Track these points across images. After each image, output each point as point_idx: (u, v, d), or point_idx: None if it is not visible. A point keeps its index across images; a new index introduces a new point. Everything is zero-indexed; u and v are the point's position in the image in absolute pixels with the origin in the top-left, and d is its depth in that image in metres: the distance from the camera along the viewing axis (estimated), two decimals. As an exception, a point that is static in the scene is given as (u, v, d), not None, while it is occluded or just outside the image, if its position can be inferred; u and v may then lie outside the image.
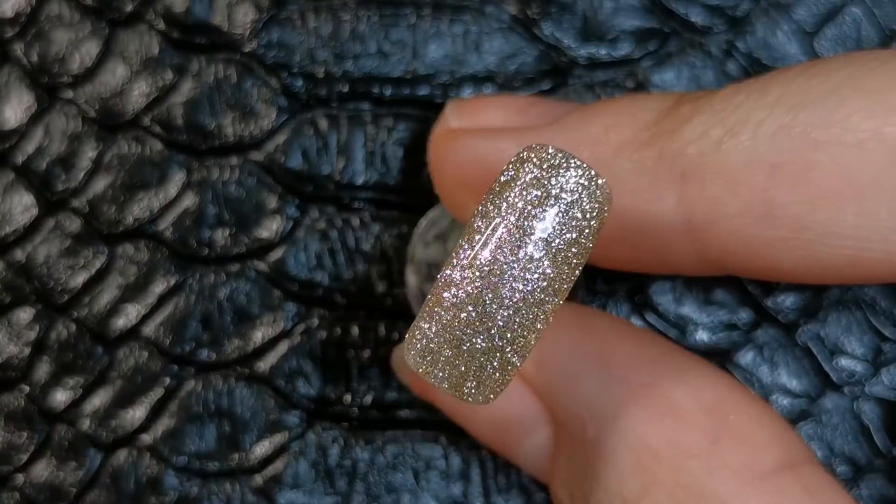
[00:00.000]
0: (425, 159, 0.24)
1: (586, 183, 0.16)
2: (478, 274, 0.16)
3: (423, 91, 0.24)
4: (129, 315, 0.24)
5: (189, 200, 0.24)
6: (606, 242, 0.18)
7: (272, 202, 0.24)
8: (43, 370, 0.24)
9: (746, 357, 0.23)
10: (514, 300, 0.16)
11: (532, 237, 0.16)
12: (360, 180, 0.24)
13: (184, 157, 0.24)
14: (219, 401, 0.24)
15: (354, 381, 0.24)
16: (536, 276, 0.16)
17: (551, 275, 0.16)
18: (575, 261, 0.16)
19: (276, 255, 0.24)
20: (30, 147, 0.24)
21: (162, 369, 0.24)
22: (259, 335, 0.24)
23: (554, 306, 0.17)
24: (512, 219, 0.16)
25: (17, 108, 0.24)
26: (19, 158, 0.24)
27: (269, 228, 0.24)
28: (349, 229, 0.24)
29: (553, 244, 0.16)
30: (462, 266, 0.16)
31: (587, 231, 0.16)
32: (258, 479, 0.24)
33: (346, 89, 0.24)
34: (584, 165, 0.16)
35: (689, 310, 0.23)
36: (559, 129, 0.19)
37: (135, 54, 0.24)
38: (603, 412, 0.19)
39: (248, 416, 0.24)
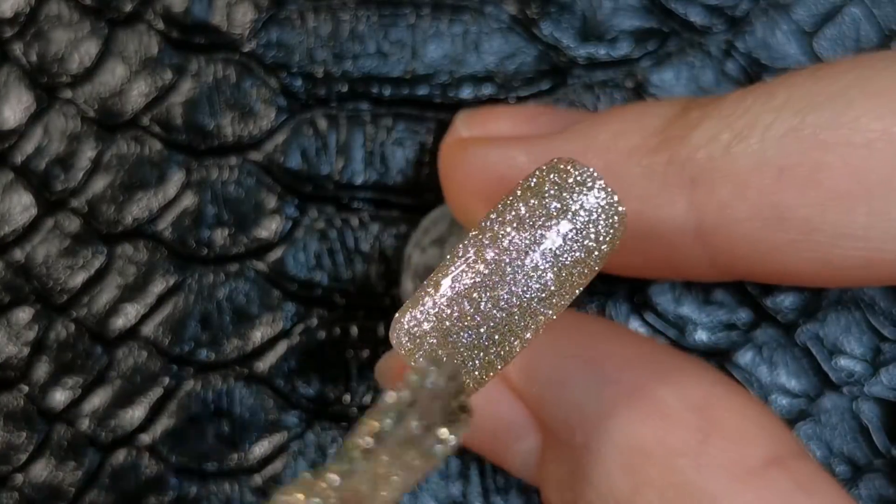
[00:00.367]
0: (424, 159, 0.24)
1: (606, 206, 0.16)
2: (480, 270, 0.16)
3: (422, 91, 0.24)
4: (129, 315, 0.24)
5: (188, 200, 0.24)
6: (617, 248, 0.18)
7: (271, 202, 0.24)
8: (42, 370, 0.24)
9: (746, 357, 0.23)
10: (510, 304, 0.16)
11: (541, 247, 0.16)
12: (359, 180, 0.24)
13: (183, 157, 0.24)
14: (218, 401, 0.24)
15: (353, 381, 0.24)
16: (538, 286, 0.16)
17: (552, 288, 0.16)
18: (578, 280, 0.17)
19: (276, 254, 0.24)
20: (29, 147, 0.24)
21: (161, 369, 0.24)
22: (258, 335, 0.24)
23: (547, 319, 0.17)
24: (525, 225, 0.16)
25: (16, 108, 0.24)
26: (18, 158, 0.24)
27: (269, 228, 0.24)
28: (348, 229, 0.24)
29: (561, 258, 0.16)
30: (466, 260, 0.17)
31: (596, 254, 0.17)
32: (257, 479, 0.24)
33: (345, 89, 0.24)
34: (609, 190, 0.16)
35: (688, 310, 0.23)
36: (568, 138, 0.20)
37: (134, 54, 0.24)
38: (590, 415, 0.19)
39: (248, 416, 0.24)
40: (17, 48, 0.24)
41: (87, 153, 0.24)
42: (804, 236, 0.17)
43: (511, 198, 0.17)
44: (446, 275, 0.17)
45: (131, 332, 0.24)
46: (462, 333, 0.16)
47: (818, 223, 0.17)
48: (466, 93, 0.24)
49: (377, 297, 0.24)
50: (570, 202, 0.16)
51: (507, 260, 0.16)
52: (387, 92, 0.24)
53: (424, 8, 0.24)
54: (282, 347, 0.24)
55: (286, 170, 0.24)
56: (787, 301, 0.23)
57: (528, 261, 0.16)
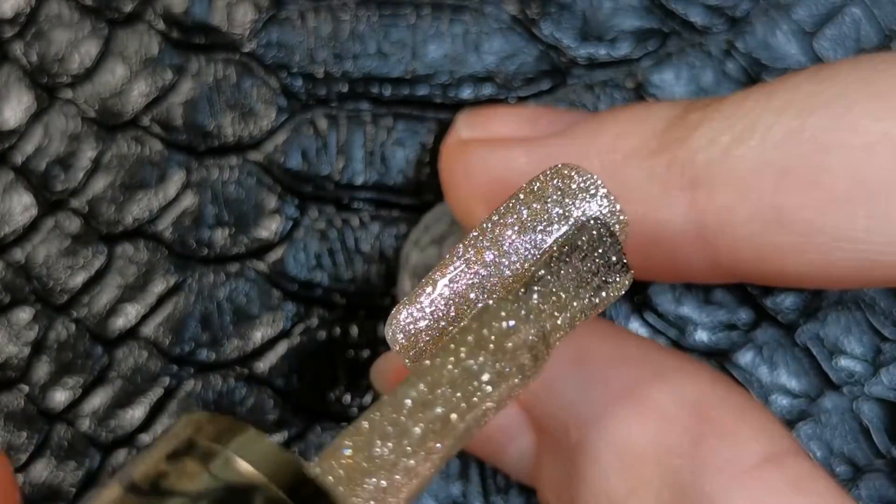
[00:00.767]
0: (425, 159, 0.24)
1: (608, 214, 0.16)
2: (478, 271, 0.16)
3: (422, 91, 0.24)
4: (129, 315, 0.24)
5: (188, 200, 0.24)
6: None
7: (271, 202, 0.24)
8: (42, 370, 0.24)
9: (746, 357, 0.23)
10: None
11: (540, 251, 0.16)
12: (359, 180, 0.24)
13: (183, 157, 0.24)
14: (218, 401, 0.24)
15: (354, 381, 0.24)
16: None
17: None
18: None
19: (276, 255, 0.24)
20: (29, 147, 0.24)
21: (161, 369, 0.24)
22: (258, 335, 0.24)
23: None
24: (526, 229, 0.16)
25: (16, 108, 0.24)
26: (19, 158, 0.24)
27: (269, 228, 0.24)
28: (348, 229, 0.24)
29: None
30: (465, 260, 0.17)
31: None
32: (257, 479, 0.24)
33: (345, 89, 0.24)
34: (612, 198, 0.16)
35: (688, 310, 0.23)
36: (569, 140, 0.20)
37: (134, 54, 0.24)
38: (585, 415, 0.19)
39: (248, 416, 0.24)
40: (18, 48, 0.24)
41: (88, 153, 0.24)
42: (805, 239, 0.17)
43: (513, 201, 0.17)
44: (444, 274, 0.17)
45: (131, 332, 0.24)
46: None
47: (819, 225, 0.17)
48: (467, 93, 0.24)
49: (377, 297, 0.24)
50: (573, 208, 0.16)
51: (507, 262, 0.16)
52: (387, 92, 0.24)
53: (425, 8, 0.24)
54: (282, 347, 0.24)
55: (286, 170, 0.24)
56: (787, 301, 0.23)
57: (527, 265, 0.16)
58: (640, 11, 0.23)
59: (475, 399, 0.15)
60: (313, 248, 0.24)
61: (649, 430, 0.18)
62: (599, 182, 0.16)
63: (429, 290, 0.17)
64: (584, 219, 0.16)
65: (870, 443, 0.23)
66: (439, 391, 0.15)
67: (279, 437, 0.24)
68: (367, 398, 0.24)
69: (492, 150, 0.20)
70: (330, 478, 0.14)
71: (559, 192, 0.16)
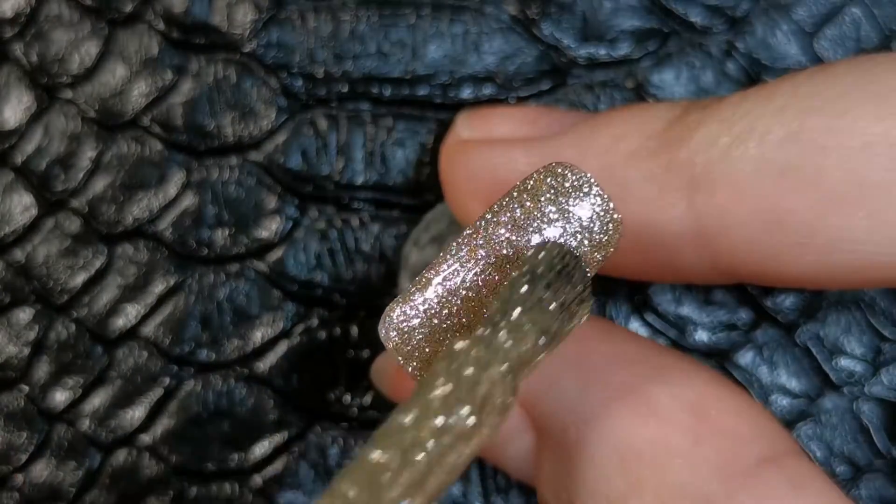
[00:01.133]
0: (425, 159, 0.24)
1: (601, 213, 0.16)
2: (470, 269, 0.16)
3: (422, 91, 0.24)
4: (129, 315, 0.24)
5: (188, 200, 0.24)
6: (616, 252, 0.18)
7: (271, 202, 0.24)
8: (42, 370, 0.24)
9: (746, 357, 0.23)
10: None
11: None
12: (359, 180, 0.24)
13: (183, 158, 0.24)
14: (218, 401, 0.24)
15: (354, 382, 0.24)
16: None
17: None
18: None
19: (276, 255, 0.24)
20: (29, 147, 0.24)
21: (161, 369, 0.24)
22: (258, 335, 0.24)
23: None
24: (520, 227, 0.16)
25: (16, 108, 0.24)
26: (19, 158, 0.24)
27: (269, 228, 0.24)
28: (349, 229, 0.24)
29: None
30: (459, 258, 0.17)
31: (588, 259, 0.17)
32: (258, 480, 0.24)
33: (345, 89, 0.24)
34: (605, 196, 0.16)
35: (688, 310, 0.23)
36: (568, 140, 0.20)
37: (134, 54, 0.24)
38: (584, 415, 0.18)
39: (248, 416, 0.24)
40: (18, 48, 0.24)
41: (88, 153, 0.24)
42: (804, 239, 0.17)
43: (507, 199, 0.17)
44: (438, 272, 0.17)
45: (131, 333, 0.24)
46: (451, 331, 0.16)
47: (818, 226, 0.17)
48: (467, 93, 0.24)
49: (377, 298, 0.24)
50: (566, 207, 0.16)
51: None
52: (387, 92, 0.24)
53: (425, 8, 0.24)
54: (282, 347, 0.24)
55: (286, 170, 0.24)
56: (787, 301, 0.23)
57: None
58: (640, 11, 0.23)
59: (450, 457, 0.14)
60: (313, 249, 0.24)
61: (648, 430, 0.18)
62: (593, 180, 0.16)
63: (422, 288, 0.17)
64: (576, 218, 0.16)
65: (870, 443, 0.23)
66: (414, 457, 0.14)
67: (279, 438, 0.24)
68: (367, 398, 0.24)
69: (491, 150, 0.20)
70: None
71: (553, 191, 0.16)
